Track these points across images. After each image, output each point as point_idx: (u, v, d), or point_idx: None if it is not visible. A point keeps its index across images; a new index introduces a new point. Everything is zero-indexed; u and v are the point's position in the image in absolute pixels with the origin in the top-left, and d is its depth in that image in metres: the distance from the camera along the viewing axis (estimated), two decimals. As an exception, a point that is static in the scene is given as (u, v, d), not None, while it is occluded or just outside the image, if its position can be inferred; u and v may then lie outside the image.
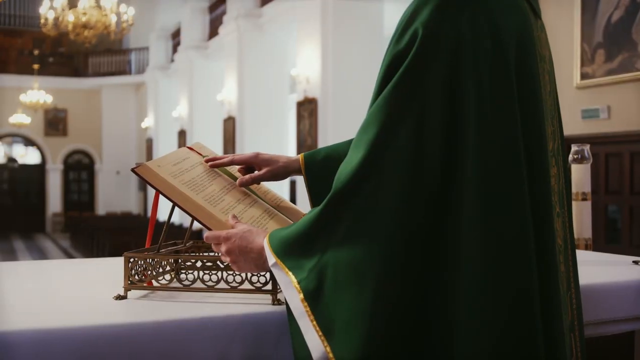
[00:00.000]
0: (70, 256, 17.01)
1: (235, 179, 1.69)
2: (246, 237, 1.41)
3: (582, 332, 1.46)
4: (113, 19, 11.77)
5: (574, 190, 2.49)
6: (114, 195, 24.41)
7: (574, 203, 2.49)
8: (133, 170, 1.51)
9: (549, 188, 1.36)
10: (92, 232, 15.10)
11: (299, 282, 1.26)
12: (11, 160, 25.52)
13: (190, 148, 1.72)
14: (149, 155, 22.51)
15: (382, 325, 1.20)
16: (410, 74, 1.24)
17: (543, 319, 1.28)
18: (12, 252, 18.08)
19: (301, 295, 1.25)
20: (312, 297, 1.24)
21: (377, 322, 1.19)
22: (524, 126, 1.29)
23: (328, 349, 1.21)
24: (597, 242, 7.73)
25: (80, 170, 25.81)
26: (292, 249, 1.31)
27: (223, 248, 1.43)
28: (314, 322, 1.23)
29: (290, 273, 1.28)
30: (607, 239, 7.94)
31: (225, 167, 1.73)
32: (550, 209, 1.35)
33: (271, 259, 1.33)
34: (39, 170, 25.32)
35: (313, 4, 11.43)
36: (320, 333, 1.22)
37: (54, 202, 25.05)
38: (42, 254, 17.51)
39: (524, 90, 1.31)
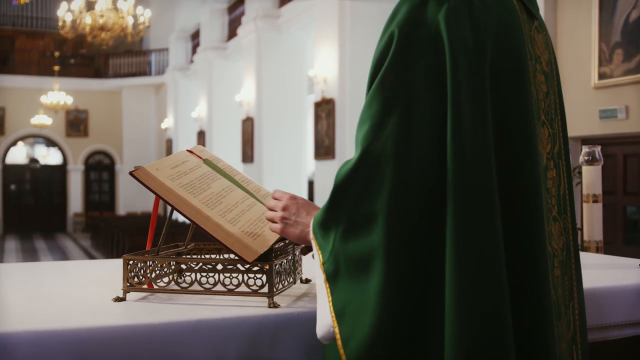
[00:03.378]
0: (90, 256, 17.15)
1: (234, 182, 1.70)
2: (309, 204, 1.49)
3: (585, 346, 1.45)
4: (130, 21, 11.84)
5: (584, 192, 2.47)
6: (134, 195, 24.54)
7: (585, 205, 2.46)
8: (131, 173, 1.52)
9: (538, 188, 1.33)
10: (113, 232, 15.20)
11: (323, 264, 1.32)
12: (33, 160, 25.79)
13: (190, 151, 1.73)
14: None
15: (386, 315, 1.22)
16: (395, 65, 1.27)
17: (527, 322, 1.28)
18: (34, 252, 18.27)
19: (324, 276, 1.31)
20: (332, 280, 1.30)
21: (383, 312, 1.22)
22: (506, 121, 1.29)
23: (337, 329, 1.27)
24: (615, 243, 7.66)
25: (101, 171, 26.02)
26: (320, 230, 1.35)
27: (282, 203, 1.49)
28: (330, 304, 1.29)
29: (319, 251, 1.34)
30: (626, 240, 7.85)
31: (225, 171, 1.73)
32: (539, 211, 1.32)
33: (311, 233, 1.39)
34: (61, 171, 25.57)
35: (331, 4, 11.44)
36: (334, 315, 1.28)
37: (75, 202, 25.28)
38: (63, 254, 17.67)
39: (505, 85, 1.30)
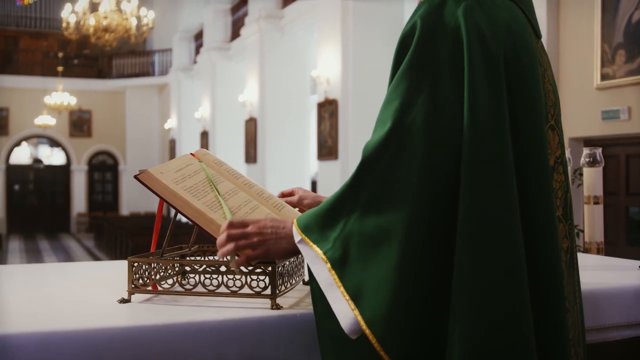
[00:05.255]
0: (94, 256, 17.18)
1: (236, 186, 1.72)
2: (277, 219, 1.46)
3: (584, 351, 1.48)
4: (133, 22, 11.86)
5: (585, 193, 2.48)
6: (137, 195, 24.57)
7: (586, 207, 2.48)
8: (136, 177, 1.54)
9: (549, 186, 1.38)
10: (116, 232, 15.23)
11: (324, 253, 1.31)
12: (37, 161, 25.83)
13: (193, 154, 1.75)
14: (172, 156, 22.64)
15: (408, 286, 1.24)
16: (420, 53, 1.33)
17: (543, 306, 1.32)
18: (38, 252, 18.31)
19: (328, 265, 1.30)
20: (339, 265, 1.29)
21: (403, 284, 1.24)
22: (515, 119, 1.34)
23: (357, 312, 1.25)
24: (617, 244, 7.64)
25: (105, 171, 26.06)
26: (316, 224, 1.35)
27: (252, 227, 1.43)
28: (342, 289, 1.28)
29: (315, 246, 1.33)
30: (628, 241, 7.85)
31: (228, 174, 1.75)
32: (551, 207, 1.37)
33: (297, 237, 1.38)
34: (64, 171, 25.61)
35: (333, 5, 11.46)
36: (348, 298, 1.26)
37: (79, 202, 25.33)
38: (66, 254, 17.70)
39: (515, 85, 1.35)
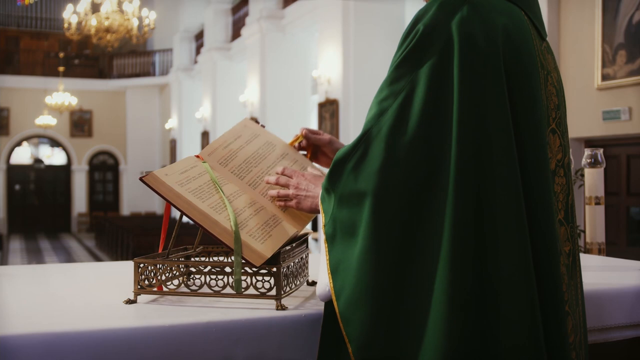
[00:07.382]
0: (95, 256, 17.19)
1: (240, 188, 1.73)
2: (318, 177, 1.66)
3: (585, 352, 1.50)
4: (135, 23, 11.86)
5: (587, 194, 2.49)
6: (138, 195, 24.58)
7: (587, 207, 2.49)
8: (141, 179, 1.55)
9: (550, 189, 1.40)
10: (117, 232, 15.24)
11: (324, 226, 1.46)
12: (37, 160, 25.83)
13: (197, 156, 1.76)
14: (173, 156, 22.66)
15: (367, 279, 1.34)
16: (405, 61, 1.38)
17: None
18: (39, 252, 18.32)
19: (324, 237, 1.45)
20: (330, 240, 1.43)
21: (363, 276, 1.34)
22: (518, 121, 1.36)
23: (331, 284, 1.39)
24: (618, 244, 7.63)
25: (105, 171, 26.06)
26: (325, 194, 1.49)
27: (294, 181, 1.66)
28: (327, 261, 1.42)
29: (322, 216, 1.48)
30: (629, 241, 7.85)
31: (232, 175, 1.76)
32: (551, 211, 1.38)
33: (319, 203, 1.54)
34: (65, 171, 25.62)
35: (334, 5, 11.46)
36: (329, 271, 1.41)
37: (80, 202, 25.32)
38: (67, 254, 17.71)
39: (515, 87, 1.37)
